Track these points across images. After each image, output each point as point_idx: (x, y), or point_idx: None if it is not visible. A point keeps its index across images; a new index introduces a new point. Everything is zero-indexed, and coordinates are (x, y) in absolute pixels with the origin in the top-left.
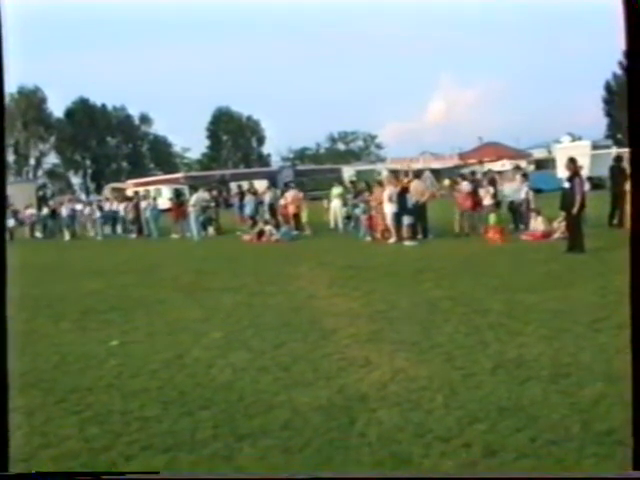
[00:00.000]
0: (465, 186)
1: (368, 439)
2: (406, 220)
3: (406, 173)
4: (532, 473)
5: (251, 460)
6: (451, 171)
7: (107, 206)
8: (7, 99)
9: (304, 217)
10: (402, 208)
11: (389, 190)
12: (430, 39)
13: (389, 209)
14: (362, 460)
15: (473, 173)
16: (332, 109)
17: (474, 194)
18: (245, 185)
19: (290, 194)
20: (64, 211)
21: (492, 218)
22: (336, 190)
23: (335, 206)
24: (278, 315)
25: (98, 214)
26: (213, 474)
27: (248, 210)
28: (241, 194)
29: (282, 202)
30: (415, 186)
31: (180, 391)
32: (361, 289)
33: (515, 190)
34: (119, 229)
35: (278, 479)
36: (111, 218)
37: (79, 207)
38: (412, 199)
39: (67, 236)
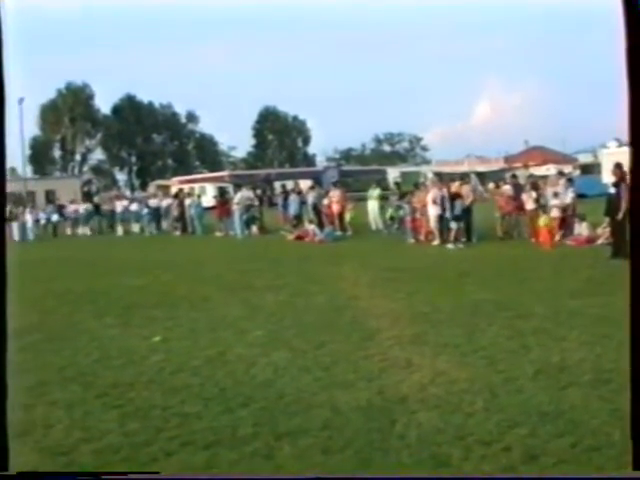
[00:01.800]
0: (507, 189)
1: (408, 441)
2: (453, 225)
3: (451, 177)
4: (532, 473)
5: (290, 459)
6: (496, 174)
7: (152, 203)
8: (55, 95)
9: (348, 218)
10: (448, 211)
11: (433, 193)
12: (478, 41)
13: (433, 211)
14: (401, 462)
15: (514, 176)
16: (379, 110)
17: (516, 197)
18: (290, 184)
19: (335, 194)
20: (118, 207)
21: (542, 220)
22: (374, 192)
23: (373, 207)
24: (320, 315)
25: (146, 211)
26: (213, 474)
27: (292, 209)
28: (285, 193)
29: (326, 202)
30: (462, 190)
31: (221, 388)
32: (404, 291)
33: (560, 195)
34: (164, 226)
35: (275, 479)
36: (156, 215)
37: (124, 203)
38: (459, 203)
39: (119, 231)
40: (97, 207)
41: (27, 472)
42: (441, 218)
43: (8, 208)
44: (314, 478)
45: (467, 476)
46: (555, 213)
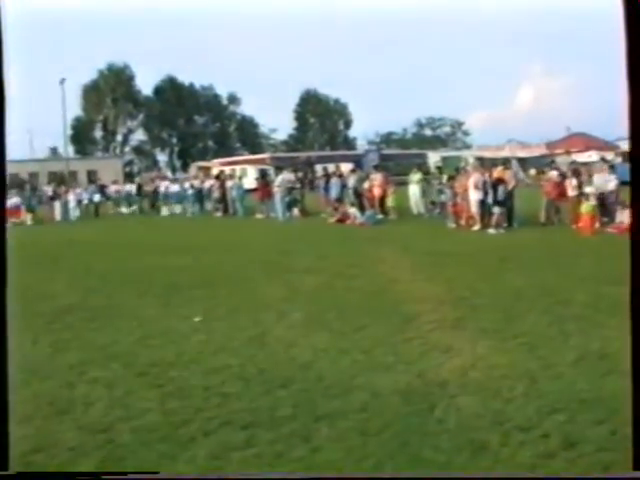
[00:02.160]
0: (553, 175)
1: (446, 425)
2: (496, 210)
3: (493, 161)
4: (533, 473)
5: (328, 441)
6: (537, 160)
7: (195, 184)
8: (97, 75)
9: (389, 201)
10: (490, 196)
11: (475, 177)
12: (521, 26)
13: (475, 196)
14: (440, 446)
15: (552, 162)
16: (420, 94)
17: (561, 184)
18: (331, 167)
19: (376, 177)
20: (160, 188)
21: (584, 207)
22: (415, 176)
23: (414, 192)
24: (360, 298)
25: (191, 191)
26: (211, 474)
27: (333, 192)
28: (326, 176)
29: (367, 185)
30: (504, 175)
31: (261, 369)
32: (444, 275)
33: (603, 182)
34: (206, 207)
35: (275, 479)
36: (199, 196)
37: (166, 184)
38: (500, 188)
39: (162, 212)
40: (139, 187)
41: (26, 472)
42: (482, 203)
43: (51, 187)
44: (316, 478)
45: (467, 476)
46: (596, 200)
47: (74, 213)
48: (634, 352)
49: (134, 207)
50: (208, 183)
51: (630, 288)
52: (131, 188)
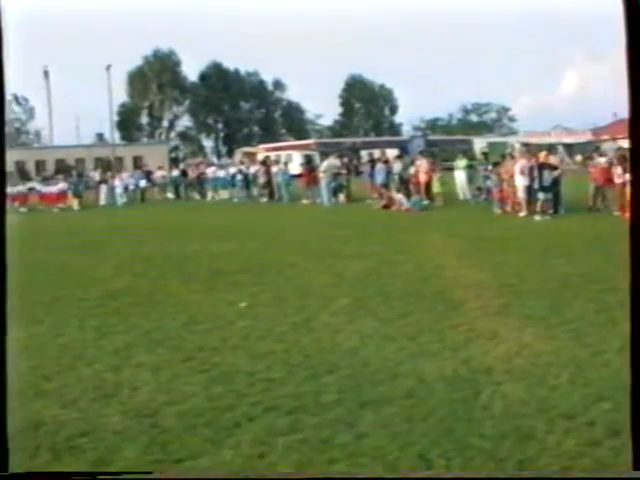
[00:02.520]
0: (601, 161)
1: (492, 412)
2: (541, 196)
3: (539, 147)
4: (533, 473)
5: (373, 427)
6: (583, 147)
7: (242, 170)
8: (142, 62)
9: (435, 187)
10: (537, 182)
11: (521, 163)
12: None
13: (521, 182)
14: (485, 433)
15: (597, 149)
16: (466, 80)
17: (608, 170)
18: (376, 153)
19: (422, 163)
20: (206, 174)
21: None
22: (461, 162)
23: (460, 178)
24: (406, 284)
25: (239, 177)
26: (212, 473)
27: (379, 178)
28: (372, 162)
29: (413, 171)
30: (550, 161)
31: (306, 355)
32: (490, 261)
33: None
34: (247, 193)
35: (273, 478)
36: (245, 182)
37: (212, 170)
38: (547, 173)
39: (208, 197)
40: (184, 173)
41: (23, 473)
42: (529, 189)
43: (98, 173)
44: (314, 478)
45: (467, 476)
46: None
47: (121, 199)
48: (633, 352)
49: (180, 192)
50: (253, 169)
51: (630, 288)
52: (177, 174)
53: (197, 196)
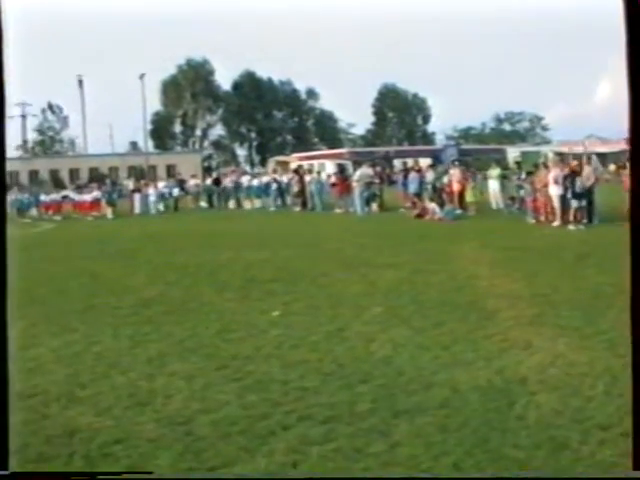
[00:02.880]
0: None
1: (526, 422)
2: (574, 204)
3: (574, 156)
4: (533, 473)
5: (407, 437)
6: (617, 156)
7: (277, 178)
8: (176, 71)
9: (468, 196)
10: (570, 191)
11: (555, 172)
12: (599, 19)
13: (554, 192)
14: (519, 443)
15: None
16: (499, 89)
17: None
18: (409, 162)
19: (455, 173)
20: (240, 182)
21: None
22: (494, 171)
23: (493, 187)
24: (439, 293)
25: (274, 186)
26: (214, 474)
27: (412, 187)
28: (405, 171)
29: (446, 180)
30: (584, 170)
31: (339, 364)
32: (523, 271)
33: None
34: (282, 201)
35: (273, 479)
36: (279, 190)
37: (245, 178)
38: (580, 183)
39: (243, 206)
40: (217, 182)
41: (23, 472)
42: (563, 198)
43: (131, 181)
44: (316, 478)
45: (467, 476)
46: None
47: (155, 207)
48: (634, 352)
49: (213, 201)
50: (286, 177)
51: (630, 287)
52: (210, 182)
53: (232, 205)
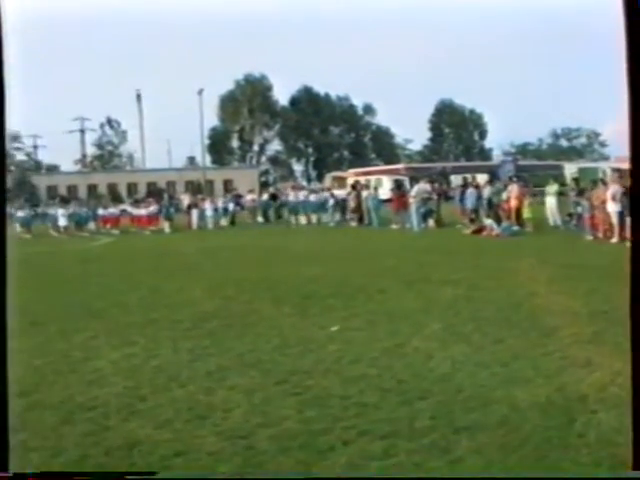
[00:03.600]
0: None
1: (587, 440)
2: (628, 219)
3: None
4: (533, 473)
5: (468, 453)
6: None
7: (335, 194)
8: (233, 86)
9: (525, 213)
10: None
11: (613, 189)
12: None
13: (613, 208)
14: (580, 460)
15: None
16: (556, 105)
17: None
18: (468, 178)
19: (513, 189)
20: (298, 197)
21: None
22: (551, 187)
23: (550, 203)
24: (498, 310)
25: (332, 202)
26: (212, 474)
27: (469, 203)
28: (463, 187)
29: (504, 196)
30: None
31: (399, 380)
32: (582, 288)
33: None
34: (340, 217)
35: (273, 479)
36: (336, 206)
37: (302, 194)
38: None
39: (300, 221)
40: (275, 197)
41: (23, 473)
42: (621, 215)
43: (188, 196)
44: (316, 478)
45: (467, 476)
46: None
47: (216, 221)
48: (634, 353)
49: (270, 216)
50: (343, 193)
51: (630, 288)
52: (267, 197)
53: (289, 219)
